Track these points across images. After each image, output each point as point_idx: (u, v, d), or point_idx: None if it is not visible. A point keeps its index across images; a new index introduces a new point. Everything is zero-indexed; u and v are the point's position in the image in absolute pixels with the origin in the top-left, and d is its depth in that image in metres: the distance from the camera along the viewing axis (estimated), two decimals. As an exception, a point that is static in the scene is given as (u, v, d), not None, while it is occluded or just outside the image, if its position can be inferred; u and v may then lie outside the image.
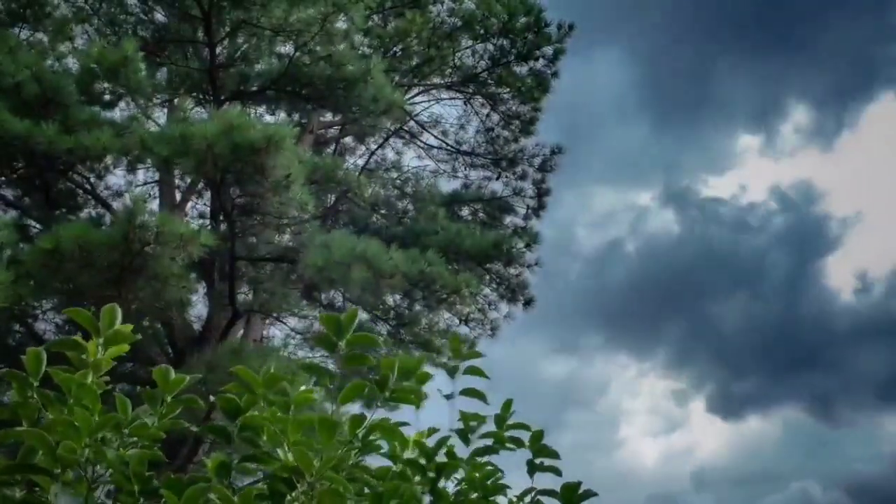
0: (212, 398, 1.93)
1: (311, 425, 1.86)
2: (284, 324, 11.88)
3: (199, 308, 10.27)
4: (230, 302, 9.44)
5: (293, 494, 1.78)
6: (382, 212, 12.21)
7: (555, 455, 2.17)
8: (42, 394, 1.89)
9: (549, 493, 2.22)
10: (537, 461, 2.19)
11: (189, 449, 8.62)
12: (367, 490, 1.90)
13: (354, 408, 2.14)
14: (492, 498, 2.14)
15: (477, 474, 2.09)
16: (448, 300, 9.67)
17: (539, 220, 12.83)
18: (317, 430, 1.82)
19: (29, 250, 7.70)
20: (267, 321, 11.22)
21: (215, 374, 8.10)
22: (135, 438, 1.89)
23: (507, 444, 2.16)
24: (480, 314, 11.53)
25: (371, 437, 1.91)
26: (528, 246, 11.81)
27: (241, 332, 10.34)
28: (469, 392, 2.13)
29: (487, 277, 11.55)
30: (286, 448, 1.84)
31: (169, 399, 1.92)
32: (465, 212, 12.97)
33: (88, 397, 1.84)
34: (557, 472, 2.18)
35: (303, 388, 1.95)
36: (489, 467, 2.13)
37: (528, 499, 2.23)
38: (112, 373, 2.00)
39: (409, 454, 2.01)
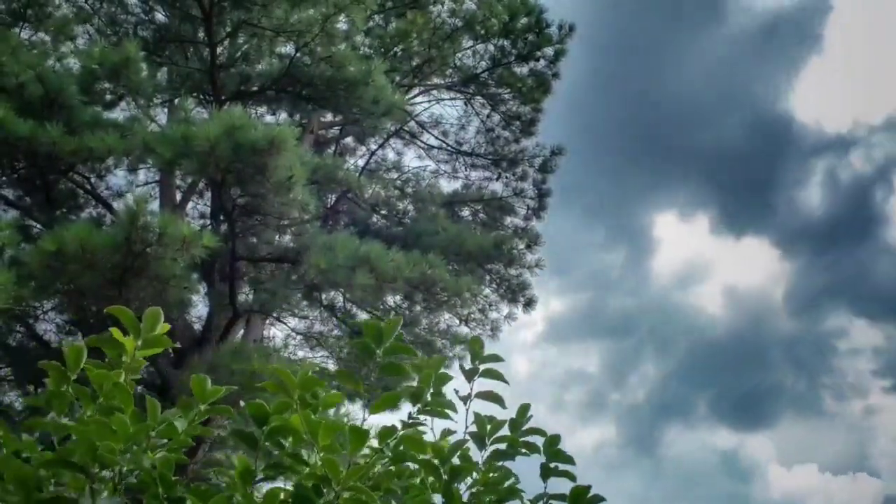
0: (241, 403, 1.94)
1: (340, 431, 1.87)
2: (284, 324, 11.88)
3: (199, 308, 10.28)
4: (230, 302, 9.44)
5: (319, 502, 1.79)
6: (383, 212, 12.21)
7: (569, 460, 2.18)
8: (78, 388, 1.91)
9: (562, 497, 2.23)
10: (551, 465, 2.20)
11: (189, 449, 8.63)
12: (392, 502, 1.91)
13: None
14: (506, 502, 2.15)
15: (492, 474, 2.10)
16: (449, 302, 9.68)
17: (540, 220, 12.85)
18: (347, 438, 1.82)
19: (30, 251, 7.70)
20: (267, 321, 11.22)
21: (216, 374, 8.10)
22: (163, 441, 1.91)
23: (522, 450, 2.16)
24: (481, 314, 11.54)
25: (401, 448, 1.92)
26: (528, 247, 11.84)
27: (242, 332, 10.34)
28: (486, 395, 2.14)
29: (488, 278, 11.56)
30: (316, 453, 1.85)
31: (203, 407, 1.94)
32: (465, 212, 12.98)
33: (122, 397, 1.86)
34: (572, 476, 2.19)
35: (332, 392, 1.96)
36: (503, 471, 2.14)
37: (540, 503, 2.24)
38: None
39: (424, 456, 2.02)
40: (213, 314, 9.96)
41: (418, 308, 10.69)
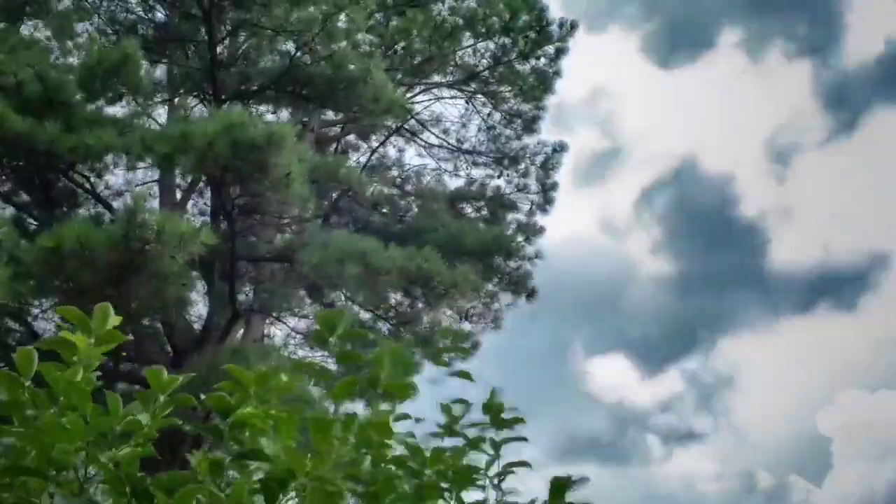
0: (202, 396, 1.91)
1: (304, 423, 1.85)
2: (284, 323, 11.86)
3: (199, 308, 10.27)
4: (230, 302, 9.43)
5: (287, 492, 1.76)
6: (384, 210, 12.19)
7: (517, 421, 2.13)
8: (34, 393, 1.87)
9: (521, 464, 2.17)
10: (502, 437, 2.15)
11: (189, 449, 8.61)
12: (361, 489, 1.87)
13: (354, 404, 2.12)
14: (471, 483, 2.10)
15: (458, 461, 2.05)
16: (447, 295, 9.63)
17: (546, 214, 12.81)
18: (310, 430, 1.80)
19: (29, 248, 7.70)
20: (267, 321, 11.20)
21: (216, 374, 8.08)
22: (128, 436, 1.88)
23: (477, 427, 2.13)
24: (484, 308, 11.48)
25: (367, 435, 1.89)
26: (528, 239, 11.82)
27: (241, 332, 10.32)
28: (457, 374, 2.11)
29: (489, 273, 11.50)
30: (279, 446, 1.82)
31: (162, 399, 1.91)
32: (468, 210, 12.93)
33: (78, 396, 1.83)
34: (523, 439, 2.15)
35: (285, 380, 1.93)
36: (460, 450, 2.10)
37: (493, 470, 2.16)
38: (112, 372, 2.00)
39: (396, 448, 1.99)
40: (213, 314, 9.94)
41: (419, 305, 10.66)
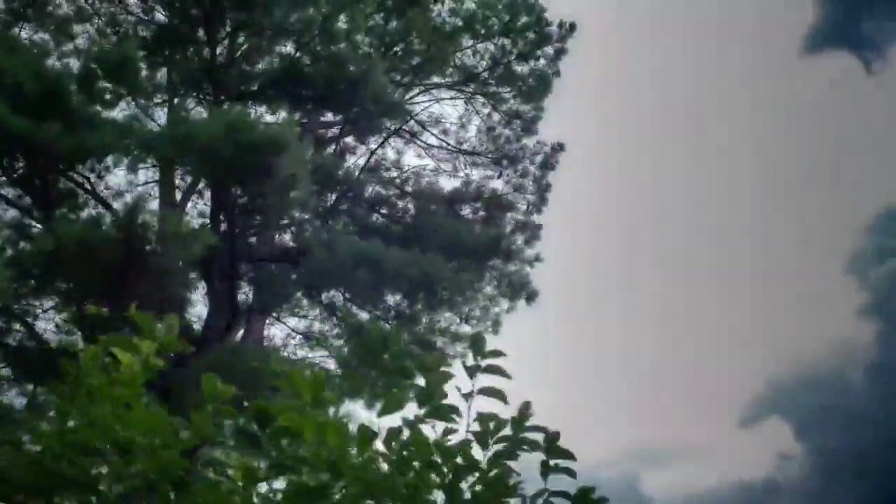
0: (245, 403, 1.92)
1: (347, 432, 1.86)
2: (284, 324, 11.84)
3: (199, 308, 10.25)
4: (230, 302, 9.42)
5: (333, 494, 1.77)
6: (383, 211, 12.17)
7: (569, 456, 2.15)
8: (92, 387, 1.93)
9: (562, 494, 2.20)
10: (551, 463, 2.17)
11: (192, 448, 8.60)
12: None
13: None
14: (505, 499, 2.13)
15: (492, 473, 2.07)
16: (450, 300, 9.65)
17: (540, 215, 12.78)
18: (357, 438, 1.81)
19: (30, 250, 7.69)
20: (267, 321, 11.18)
21: (216, 374, 8.06)
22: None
23: (524, 447, 2.13)
24: (482, 311, 11.47)
25: (405, 453, 1.90)
26: (528, 241, 11.81)
27: (242, 332, 10.30)
28: (489, 392, 2.11)
29: (488, 275, 11.49)
30: (324, 454, 1.83)
31: (210, 408, 1.93)
32: (465, 210, 12.89)
33: (132, 397, 1.87)
34: (572, 473, 2.16)
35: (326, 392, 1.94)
36: (505, 468, 2.11)
37: (540, 500, 2.21)
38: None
39: (433, 457, 2.00)
40: (213, 314, 9.92)
41: (418, 306, 10.65)
